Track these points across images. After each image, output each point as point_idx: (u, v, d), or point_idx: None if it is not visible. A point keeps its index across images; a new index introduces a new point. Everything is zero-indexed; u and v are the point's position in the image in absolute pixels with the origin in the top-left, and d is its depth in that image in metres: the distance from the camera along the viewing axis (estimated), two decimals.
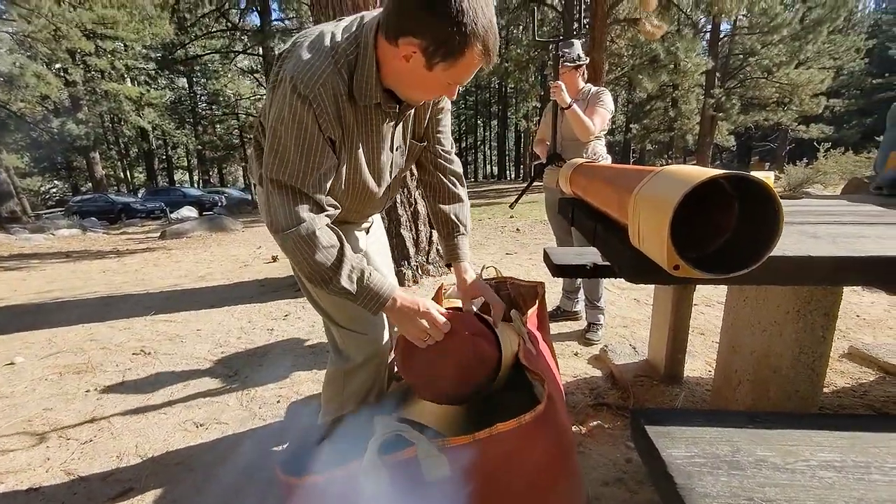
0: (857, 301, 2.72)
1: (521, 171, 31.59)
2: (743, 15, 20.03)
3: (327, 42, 0.82)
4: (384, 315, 1.01)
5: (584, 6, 19.67)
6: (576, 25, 19.84)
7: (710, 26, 22.24)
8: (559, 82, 2.07)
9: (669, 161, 31.83)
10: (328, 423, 1.03)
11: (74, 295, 3.75)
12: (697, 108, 21.33)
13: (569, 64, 2.19)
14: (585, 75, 2.32)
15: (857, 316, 2.50)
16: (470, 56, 0.78)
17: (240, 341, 2.47)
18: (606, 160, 2.38)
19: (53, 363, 2.31)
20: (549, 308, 2.74)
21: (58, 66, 19.70)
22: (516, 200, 2.69)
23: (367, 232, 1.20)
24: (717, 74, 21.14)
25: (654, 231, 0.68)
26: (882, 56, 28.47)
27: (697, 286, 2.11)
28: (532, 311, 1.23)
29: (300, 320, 2.76)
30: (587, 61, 2.27)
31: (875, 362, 1.90)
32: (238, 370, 2.12)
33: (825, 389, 1.72)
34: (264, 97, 1.09)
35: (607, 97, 2.20)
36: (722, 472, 0.62)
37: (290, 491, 0.80)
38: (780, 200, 0.62)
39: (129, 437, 1.61)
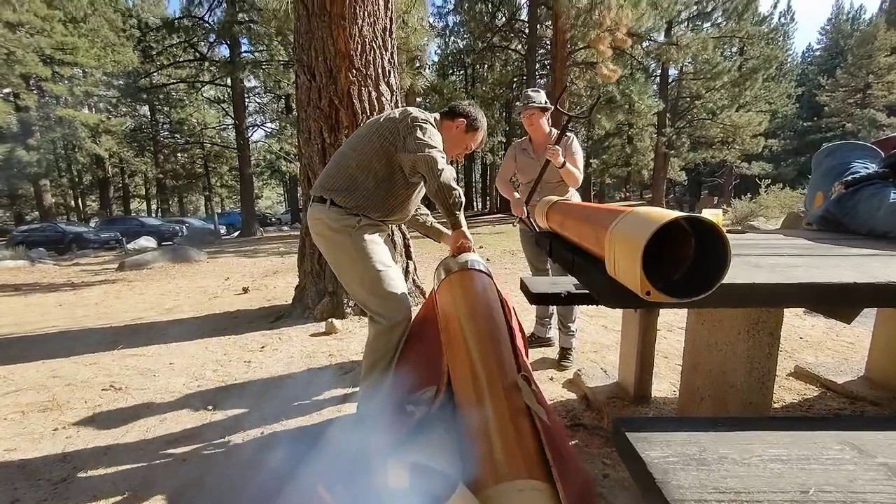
0: (799, 324, 2.99)
1: (488, 203, 32.33)
2: (688, 62, 21.86)
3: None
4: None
5: (545, 50, 20.92)
6: (537, 66, 20.95)
7: (659, 71, 24.06)
8: (557, 147, 2.22)
9: (628, 194, 33.53)
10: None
11: (31, 330, 3.55)
12: (651, 146, 22.75)
13: (535, 105, 2.38)
14: (550, 120, 2.53)
15: (801, 338, 2.74)
16: (480, 132, 1.81)
17: (216, 374, 2.43)
18: (576, 197, 2.57)
19: (14, 401, 2.20)
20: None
21: (6, 90, 18.97)
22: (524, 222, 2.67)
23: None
24: (668, 115, 22.72)
25: (628, 263, 0.80)
26: (810, 102, 31.48)
27: (661, 313, 2.28)
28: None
29: (277, 352, 2.74)
30: (552, 108, 2.47)
31: (817, 379, 2.10)
32: (216, 404, 2.09)
33: (775, 405, 1.89)
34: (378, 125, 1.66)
35: (578, 145, 2.41)
36: (692, 467, 0.73)
37: None
38: (728, 236, 0.76)
39: (105, 476, 1.56)
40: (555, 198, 1.64)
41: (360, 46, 3.10)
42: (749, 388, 1.27)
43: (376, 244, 1.63)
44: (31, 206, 25.00)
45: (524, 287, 1.83)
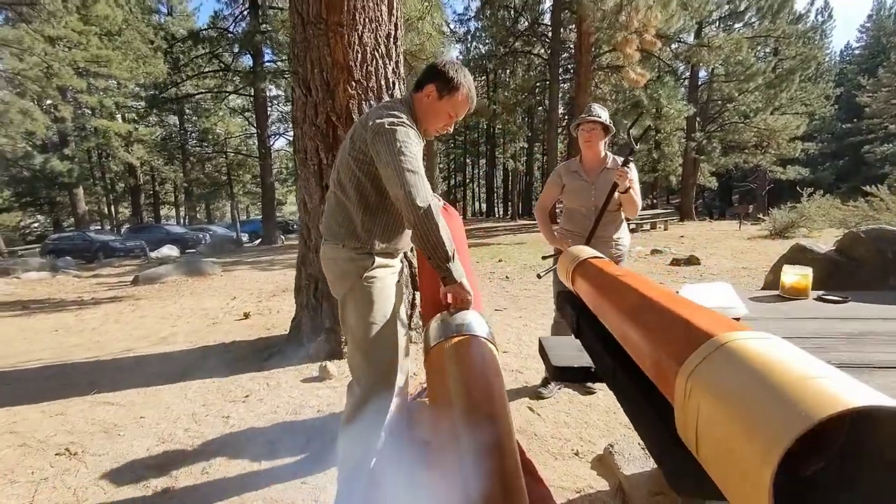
0: None
1: (509, 208, 31.83)
2: (719, 64, 20.97)
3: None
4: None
5: (568, 54, 20.41)
6: (560, 71, 20.50)
7: (688, 74, 23.20)
8: (627, 169, 1.99)
9: (655, 201, 32.33)
10: None
11: (13, 364, 3.34)
12: (680, 151, 21.87)
13: (598, 120, 2.12)
14: (608, 143, 2.25)
15: None
16: (461, 94, 1.37)
17: (187, 435, 2.12)
18: (627, 240, 2.26)
19: None
20: (537, 381, 2.49)
21: (48, 102, 19.63)
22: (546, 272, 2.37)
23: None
24: (698, 119, 21.83)
25: (732, 456, 0.43)
26: (849, 102, 29.86)
27: None
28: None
29: (262, 403, 2.42)
30: (614, 130, 2.23)
31: None
32: (177, 479, 1.77)
33: None
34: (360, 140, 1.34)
35: (636, 171, 2.15)
36: None
37: None
38: None
39: None
40: (584, 251, 1.25)
41: (360, 56, 2.78)
42: None
43: (386, 293, 1.40)
44: (67, 213, 25.87)
45: (543, 352, 1.46)
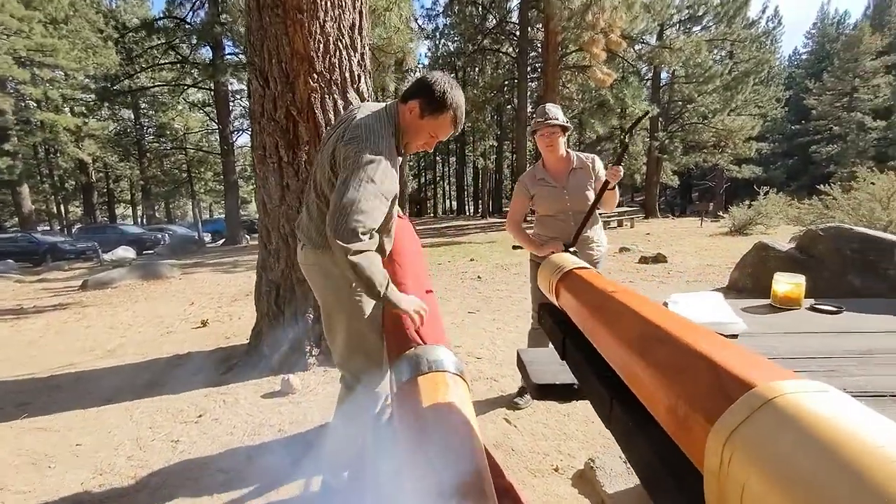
0: None
1: (479, 206, 31.90)
2: (679, 66, 21.66)
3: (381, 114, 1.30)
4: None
5: (536, 53, 20.58)
6: (528, 70, 20.64)
7: (651, 75, 23.86)
8: (619, 167, 1.93)
9: (621, 199, 33.15)
10: None
11: None
12: (644, 150, 22.47)
13: (556, 122, 2.04)
14: (567, 142, 2.17)
15: None
16: (446, 117, 1.29)
17: (130, 464, 1.90)
18: (604, 240, 2.21)
19: None
20: (514, 388, 2.41)
21: None
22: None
23: None
24: (660, 119, 22.49)
25: None
26: (798, 105, 31.49)
27: None
28: None
29: (217, 424, 2.22)
30: (571, 128, 2.14)
31: None
32: None
33: None
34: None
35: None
36: None
37: None
38: None
39: None
40: (567, 259, 1.14)
41: (321, 46, 2.59)
42: None
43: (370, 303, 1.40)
44: (10, 213, 24.10)
45: (522, 368, 1.35)
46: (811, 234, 4.58)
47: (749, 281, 4.78)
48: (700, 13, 22.02)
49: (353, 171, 1.13)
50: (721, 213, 18.04)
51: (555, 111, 2.06)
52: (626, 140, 2.09)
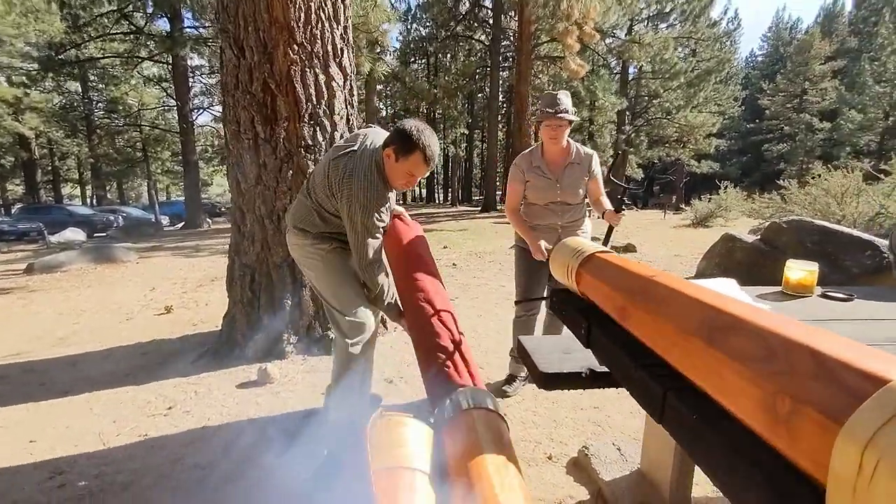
0: None
1: (449, 195, 31.81)
2: (647, 62, 22.18)
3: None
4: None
5: (509, 42, 20.50)
6: (501, 59, 20.57)
7: (619, 69, 24.33)
8: (622, 213, 2.03)
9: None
10: None
11: None
12: (611, 143, 22.99)
13: (566, 117, 1.97)
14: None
15: None
16: (417, 156, 1.54)
17: (91, 463, 1.74)
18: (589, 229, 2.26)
19: None
20: (501, 376, 2.38)
21: None
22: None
23: None
24: (627, 113, 23.04)
25: None
26: (753, 104, 32.96)
27: None
28: None
29: (189, 416, 2.07)
30: (578, 121, 2.12)
31: None
32: None
33: None
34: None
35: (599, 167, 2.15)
36: None
37: None
38: None
39: None
40: (586, 244, 1.09)
41: (302, 16, 2.42)
42: None
43: (346, 267, 1.72)
44: None
45: (526, 357, 1.30)
46: (775, 227, 4.75)
47: (717, 271, 4.94)
48: (668, 9, 22.54)
49: (355, 233, 1.54)
50: (682, 206, 18.76)
51: (566, 102, 1.97)
52: (624, 187, 2.06)
